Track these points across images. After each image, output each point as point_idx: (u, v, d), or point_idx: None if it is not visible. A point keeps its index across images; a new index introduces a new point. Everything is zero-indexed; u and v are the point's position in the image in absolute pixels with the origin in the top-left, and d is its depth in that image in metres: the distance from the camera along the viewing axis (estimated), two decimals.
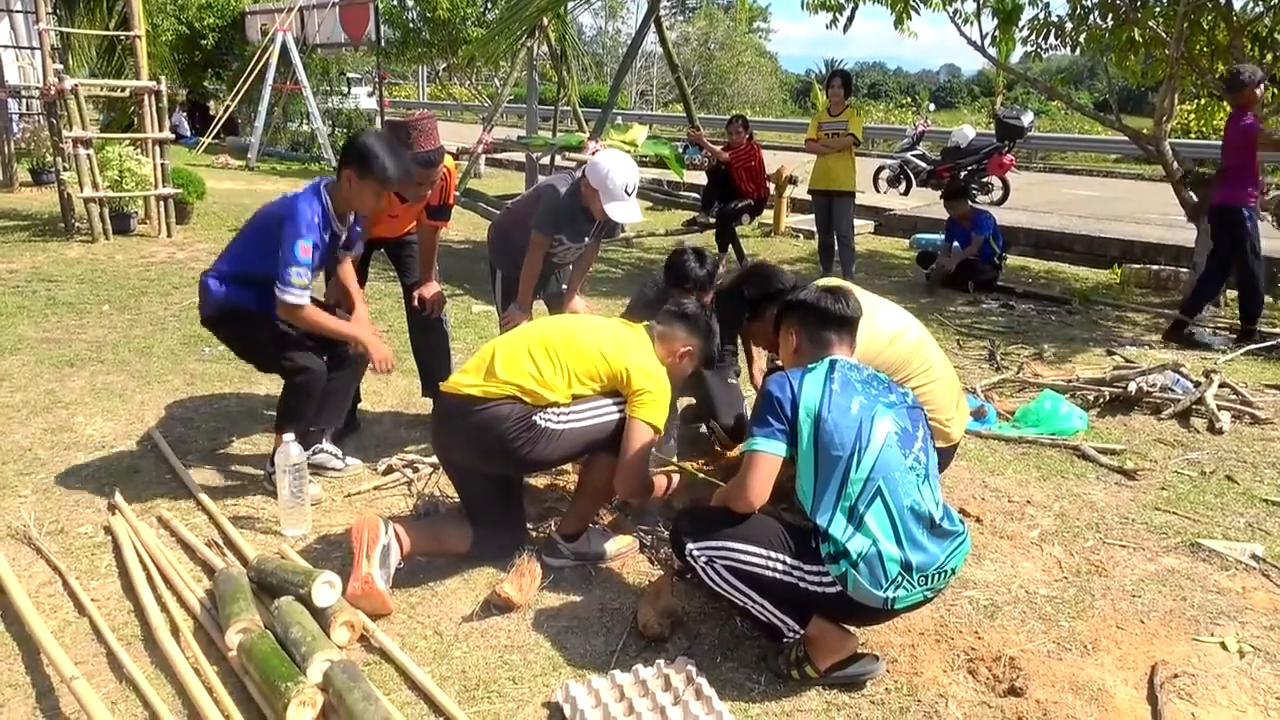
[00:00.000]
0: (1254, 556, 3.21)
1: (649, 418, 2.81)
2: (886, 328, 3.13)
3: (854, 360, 2.59)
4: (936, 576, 2.36)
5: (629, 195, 3.85)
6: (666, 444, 3.57)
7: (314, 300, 3.33)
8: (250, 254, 3.36)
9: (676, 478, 3.24)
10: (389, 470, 3.69)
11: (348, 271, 3.64)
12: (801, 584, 2.35)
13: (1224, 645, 2.69)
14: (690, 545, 2.44)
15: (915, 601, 2.38)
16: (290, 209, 3.24)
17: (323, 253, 3.33)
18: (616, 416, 2.85)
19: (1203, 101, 8.95)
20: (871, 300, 3.17)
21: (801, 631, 2.41)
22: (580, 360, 2.85)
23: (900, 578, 2.29)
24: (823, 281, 3.04)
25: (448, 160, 3.81)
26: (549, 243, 4.08)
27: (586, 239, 4.20)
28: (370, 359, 3.40)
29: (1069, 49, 8.25)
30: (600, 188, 3.82)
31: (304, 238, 3.18)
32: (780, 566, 2.36)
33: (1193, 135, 16.85)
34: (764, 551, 2.37)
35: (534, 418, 2.79)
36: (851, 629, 2.45)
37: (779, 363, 3.01)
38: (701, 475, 3.35)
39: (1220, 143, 6.26)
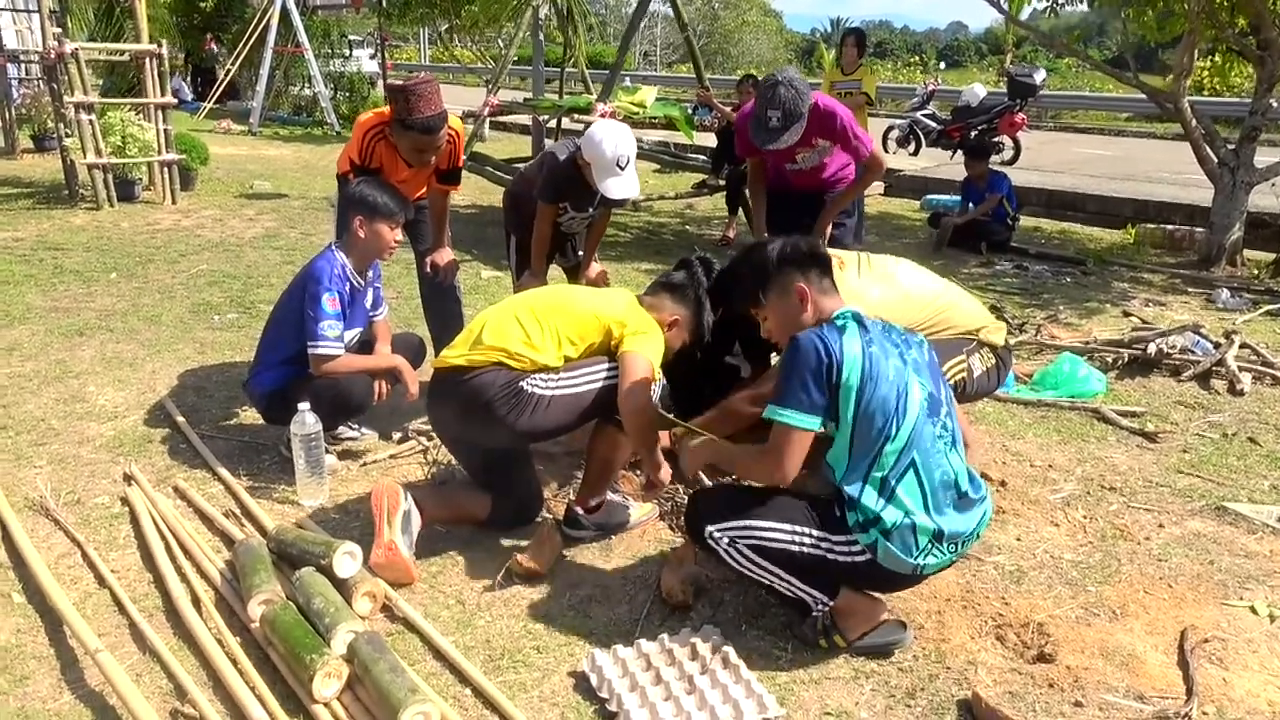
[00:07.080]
0: None
1: (642, 349, 2.72)
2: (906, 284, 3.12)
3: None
4: (965, 542, 2.34)
5: (622, 169, 3.72)
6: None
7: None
8: (282, 339, 3.39)
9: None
10: (404, 438, 3.66)
11: (382, 334, 3.62)
12: (830, 555, 2.30)
13: (1254, 609, 2.66)
14: (710, 528, 2.34)
15: (943, 565, 2.35)
16: (309, 271, 3.32)
17: (348, 306, 3.33)
18: (608, 381, 2.75)
19: (1218, 58, 8.77)
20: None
21: (830, 604, 2.37)
22: (570, 321, 2.79)
23: (930, 546, 2.25)
24: None
25: (454, 123, 3.73)
26: (555, 211, 4.02)
27: (592, 209, 4.13)
28: (404, 387, 3.42)
29: (1083, 3, 8.08)
30: (594, 160, 3.72)
31: (328, 291, 3.24)
32: (808, 540, 2.29)
33: (1205, 92, 16.62)
34: (790, 526, 2.30)
35: (521, 383, 2.72)
36: (879, 596, 2.42)
37: None
38: (698, 429, 3.29)
39: (1238, 100, 6.11)
